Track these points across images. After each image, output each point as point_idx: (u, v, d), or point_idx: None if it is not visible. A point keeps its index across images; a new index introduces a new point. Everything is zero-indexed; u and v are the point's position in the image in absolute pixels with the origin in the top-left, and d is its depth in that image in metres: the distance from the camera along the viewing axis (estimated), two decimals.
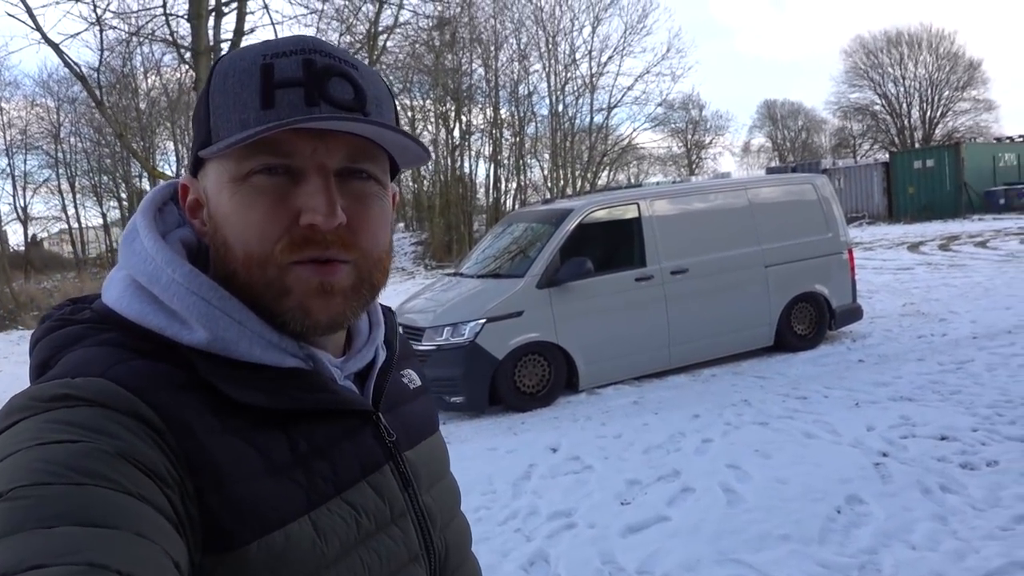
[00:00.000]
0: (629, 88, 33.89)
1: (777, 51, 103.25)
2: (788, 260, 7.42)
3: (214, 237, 0.67)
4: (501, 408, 6.26)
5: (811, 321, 7.63)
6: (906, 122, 45.33)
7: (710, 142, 46.68)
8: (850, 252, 7.85)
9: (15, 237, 36.60)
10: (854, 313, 7.94)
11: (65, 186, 34.58)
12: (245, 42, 12.53)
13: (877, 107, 46.53)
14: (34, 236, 36.02)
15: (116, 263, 0.71)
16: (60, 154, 33.81)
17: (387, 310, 0.86)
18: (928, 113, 44.56)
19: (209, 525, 0.56)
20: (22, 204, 33.81)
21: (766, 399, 5.76)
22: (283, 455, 0.62)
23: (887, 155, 32.71)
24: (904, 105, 45.23)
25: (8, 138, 32.34)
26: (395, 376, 0.82)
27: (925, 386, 5.65)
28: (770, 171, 33.18)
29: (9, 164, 32.79)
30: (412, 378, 0.88)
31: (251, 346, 0.64)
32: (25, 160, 33.93)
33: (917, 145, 40.83)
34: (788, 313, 7.47)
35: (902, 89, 45.07)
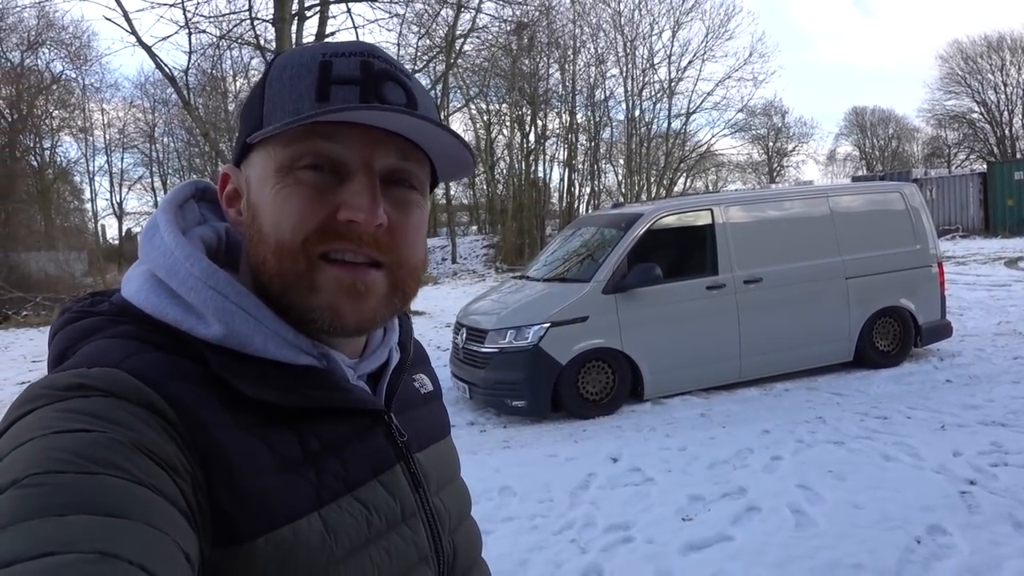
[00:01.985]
0: (709, 93, 33.39)
1: (865, 57, 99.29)
2: (871, 272, 7.05)
3: (251, 226, 0.67)
4: (563, 414, 6.15)
5: (895, 337, 7.23)
6: (1006, 131, 42.84)
7: (793, 149, 45.41)
8: (940, 266, 7.41)
9: (111, 231, 38.74)
10: (943, 330, 7.48)
11: (157, 183, 36.44)
12: None
13: (975, 115, 44.15)
14: (128, 230, 38.00)
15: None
16: (154, 153, 35.64)
17: (402, 313, 0.85)
18: None
19: (219, 518, 0.56)
20: (118, 200, 35.75)
21: (843, 417, 5.47)
22: (294, 452, 0.63)
23: (984, 165, 30.98)
24: (1005, 113, 42.76)
25: (107, 137, 34.30)
26: (407, 380, 0.82)
27: (1020, 411, 5.25)
28: (856, 180, 31.92)
29: (108, 162, 34.75)
30: (424, 383, 0.88)
31: (266, 342, 0.64)
32: (123, 158, 35.91)
33: (1018, 155, 38.52)
34: (870, 328, 7.10)
35: (1003, 96, 42.62)
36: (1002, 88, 42.54)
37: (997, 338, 8.12)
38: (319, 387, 0.66)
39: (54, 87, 29.31)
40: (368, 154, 0.64)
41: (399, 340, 0.82)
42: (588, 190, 32.73)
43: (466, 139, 0.68)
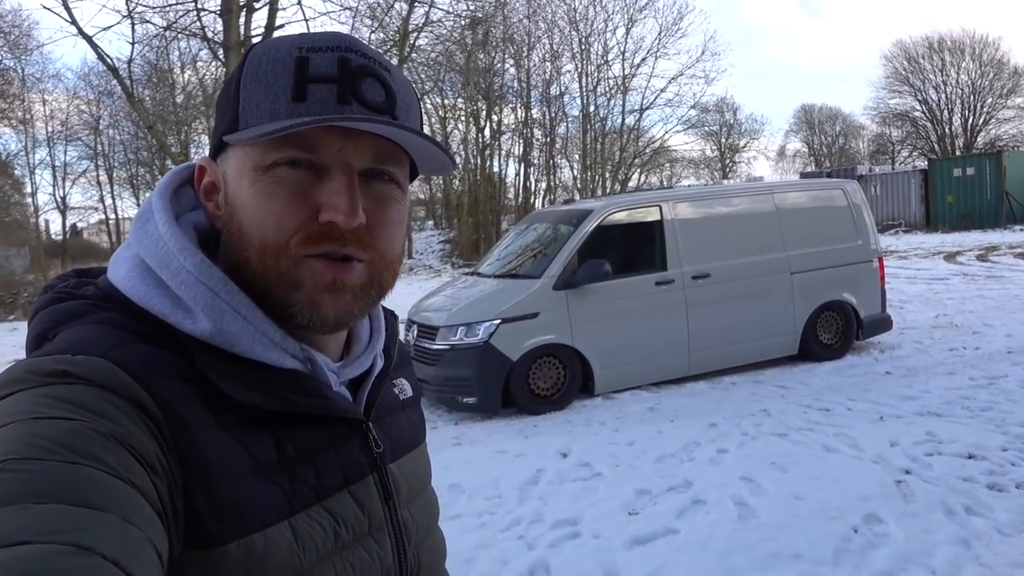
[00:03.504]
0: (662, 90, 33.61)
1: (813, 56, 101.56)
2: (815, 267, 7.22)
3: (229, 222, 0.66)
4: (514, 410, 6.16)
5: (837, 330, 7.42)
6: (947, 129, 44.23)
7: (744, 146, 46.15)
8: (880, 261, 7.62)
9: (54, 226, 37.46)
10: (883, 323, 7.70)
11: (103, 177, 35.29)
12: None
13: (917, 113, 45.46)
14: (74, 225, 36.86)
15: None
16: (99, 146, 34.52)
17: (389, 316, 0.86)
18: (970, 120, 43.38)
19: (192, 521, 0.56)
20: (61, 194, 34.57)
21: (787, 409, 5.59)
22: (269, 457, 0.62)
23: (926, 162, 31.97)
24: (945, 112, 44.11)
25: (50, 129, 33.10)
26: (388, 386, 0.82)
27: (954, 401, 5.44)
28: (804, 176, 32.66)
29: (50, 154, 33.56)
30: (404, 388, 0.87)
31: (252, 343, 0.64)
32: (65, 151, 34.75)
33: (958, 152, 39.84)
34: (814, 322, 7.27)
35: (943, 96, 43.96)
36: (942, 87, 43.90)
37: (935, 330, 8.39)
38: (301, 392, 0.66)
39: None
40: (347, 154, 0.64)
41: (384, 345, 0.82)
42: (544, 185, 32.86)
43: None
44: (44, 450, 0.48)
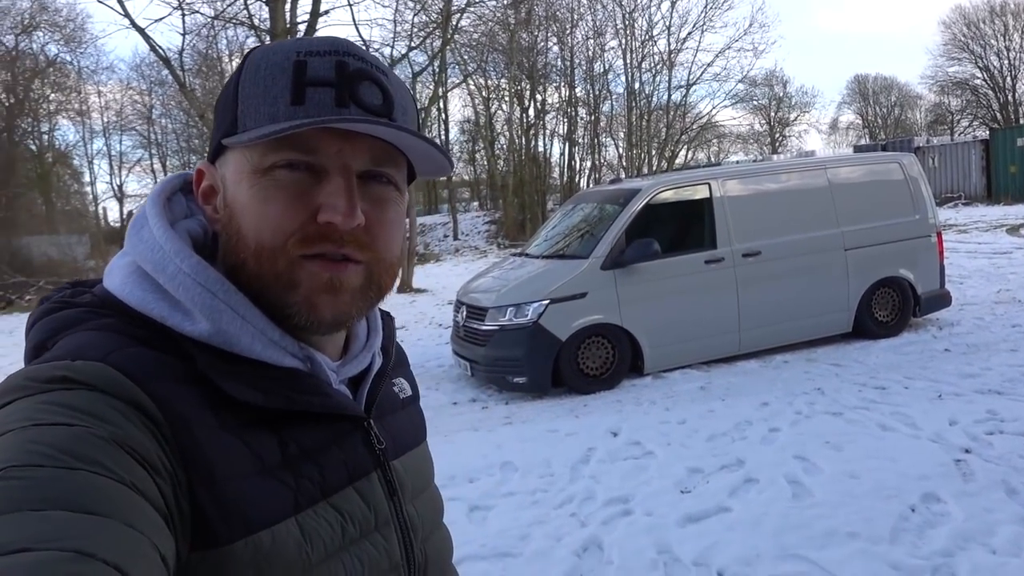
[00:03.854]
0: (709, 64, 33.14)
1: (867, 24, 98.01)
2: (870, 243, 7.05)
3: (227, 225, 0.67)
4: (564, 390, 6.20)
5: (894, 307, 7.25)
6: (1009, 97, 42.37)
7: (795, 119, 45.09)
8: (939, 235, 7.40)
9: (112, 213, 38.74)
10: (941, 299, 7.49)
11: (157, 165, 36.31)
12: (322, 23, 12.74)
13: (978, 81, 43.64)
14: (130, 212, 37.90)
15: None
16: (152, 135, 35.49)
17: (386, 316, 0.86)
18: None
19: (198, 521, 0.56)
20: (118, 183, 35.70)
21: (841, 388, 5.51)
22: (273, 455, 0.63)
23: (987, 132, 30.73)
24: (1008, 79, 42.27)
25: (105, 120, 34.14)
26: (387, 385, 0.82)
27: (1017, 379, 5.29)
28: (858, 149, 31.72)
29: (106, 144, 34.65)
30: (403, 387, 0.87)
31: (252, 342, 0.64)
32: (121, 140, 35.80)
33: (1021, 121, 38.17)
34: (869, 299, 7.11)
35: (1006, 62, 42.09)
36: (1005, 53, 42.04)
37: (996, 306, 8.13)
38: (302, 391, 0.66)
39: (49, 70, 29.11)
40: (346, 156, 0.64)
41: (381, 345, 0.82)
42: (589, 164, 32.63)
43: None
44: (45, 456, 0.48)
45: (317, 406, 0.67)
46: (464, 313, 6.64)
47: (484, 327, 6.25)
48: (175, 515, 0.54)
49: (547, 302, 6.07)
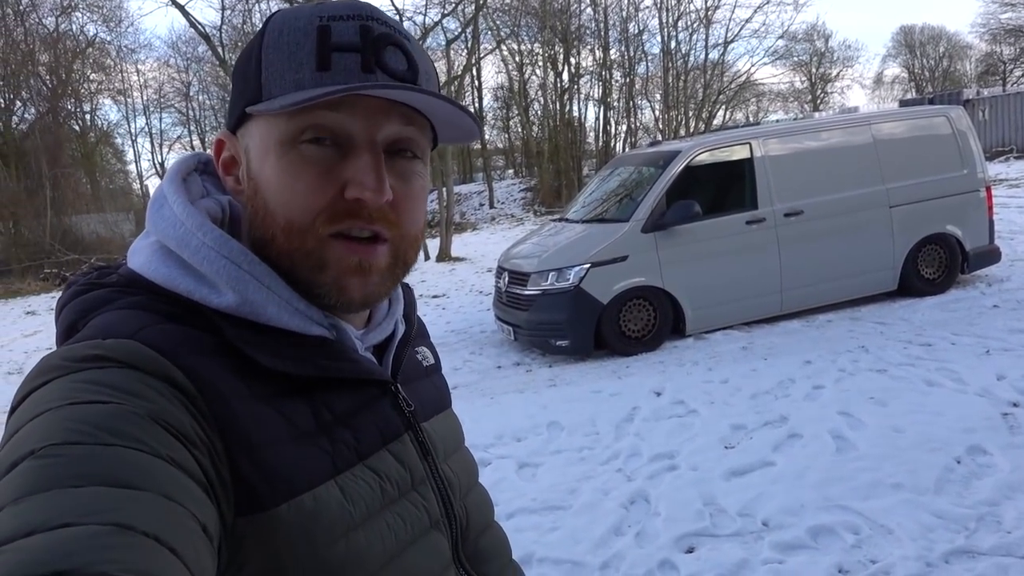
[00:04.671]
0: (747, 20, 32.55)
1: None
2: (916, 200, 6.93)
3: (253, 199, 0.67)
4: (607, 352, 6.29)
5: (941, 264, 7.14)
6: None
7: (837, 75, 43.69)
8: (988, 190, 7.24)
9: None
10: (991, 255, 7.35)
11: (196, 142, 36.88)
12: None
13: None
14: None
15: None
16: (190, 112, 36.02)
17: (405, 286, 0.86)
18: None
19: (240, 488, 0.57)
20: (160, 160, 36.44)
21: (886, 346, 5.50)
22: (307, 422, 0.64)
23: None
24: None
25: (145, 98, 34.75)
26: (410, 352, 0.84)
27: None
28: (903, 104, 30.76)
29: (147, 123, 35.29)
30: (426, 355, 0.90)
31: (279, 311, 0.65)
32: (160, 118, 36.44)
33: None
34: (915, 256, 7.02)
35: None
36: None
37: None
38: (330, 357, 0.67)
39: (89, 50, 29.65)
40: (372, 125, 0.64)
41: (403, 312, 0.83)
42: (624, 128, 32.24)
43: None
44: (82, 434, 0.49)
45: (346, 372, 0.68)
46: (506, 279, 6.74)
47: (526, 292, 6.34)
48: (215, 485, 0.55)
49: (588, 266, 6.13)
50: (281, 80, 0.64)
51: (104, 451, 0.48)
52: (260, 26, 0.71)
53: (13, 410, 0.55)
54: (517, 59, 29.93)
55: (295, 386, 0.64)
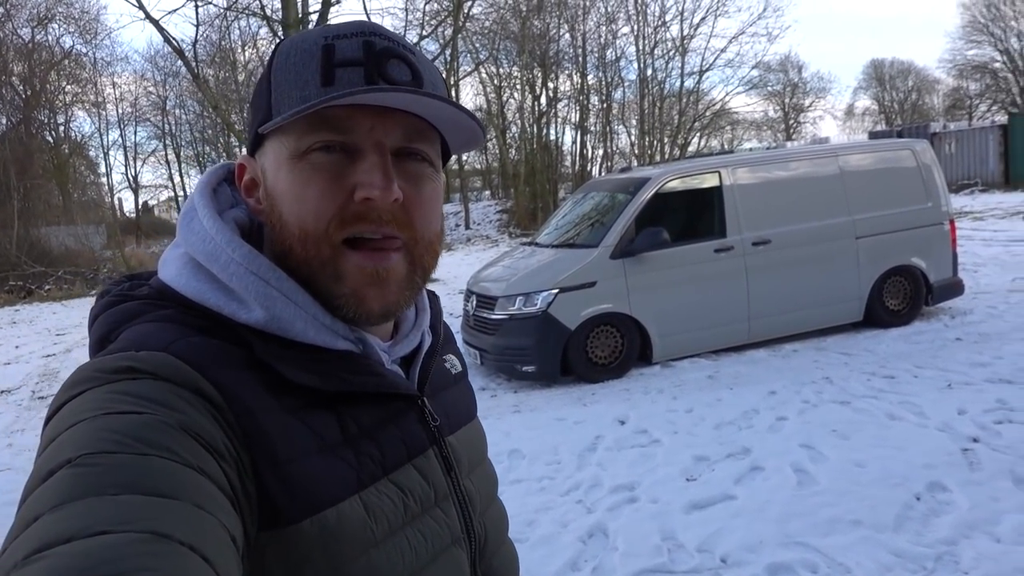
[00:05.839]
0: (722, 50, 33.00)
1: (884, 8, 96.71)
2: (882, 231, 7.00)
3: (271, 214, 0.68)
4: (573, 379, 6.23)
5: (905, 296, 7.21)
6: None
7: (809, 105, 44.67)
8: (952, 223, 7.34)
9: (127, 204, 39.11)
10: (954, 288, 7.44)
11: (171, 156, 36.55)
12: (333, 13, 12.73)
13: (998, 64, 42.96)
14: (145, 203, 38.37)
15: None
16: (166, 126, 35.71)
17: (432, 295, 0.87)
18: None
19: (265, 501, 0.58)
20: (133, 173, 36.00)
21: (849, 377, 5.51)
22: (334, 436, 0.64)
23: (1006, 116, 30.30)
24: None
25: (120, 111, 34.40)
26: (438, 361, 0.83)
27: None
28: (873, 135, 31.39)
29: (121, 135, 34.94)
30: (453, 363, 0.89)
31: (306, 327, 0.66)
32: (135, 131, 36.09)
33: None
34: (880, 287, 7.08)
35: None
36: None
37: (1010, 295, 8.06)
38: (356, 372, 0.68)
39: (65, 62, 29.31)
40: (378, 134, 0.65)
41: (430, 323, 0.83)
42: (601, 152, 32.46)
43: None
44: (116, 443, 0.50)
45: (372, 386, 0.68)
46: (474, 302, 6.68)
47: (494, 316, 6.28)
48: (241, 497, 0.56)
49: (556, 291, 6.09)
50: (288, 98, 0.65)
51: (139, 460, 0.49)
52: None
53: (48, 420, 0.56)
54: (495, 82, 30.12)
55: (322, 400, 0.65)
